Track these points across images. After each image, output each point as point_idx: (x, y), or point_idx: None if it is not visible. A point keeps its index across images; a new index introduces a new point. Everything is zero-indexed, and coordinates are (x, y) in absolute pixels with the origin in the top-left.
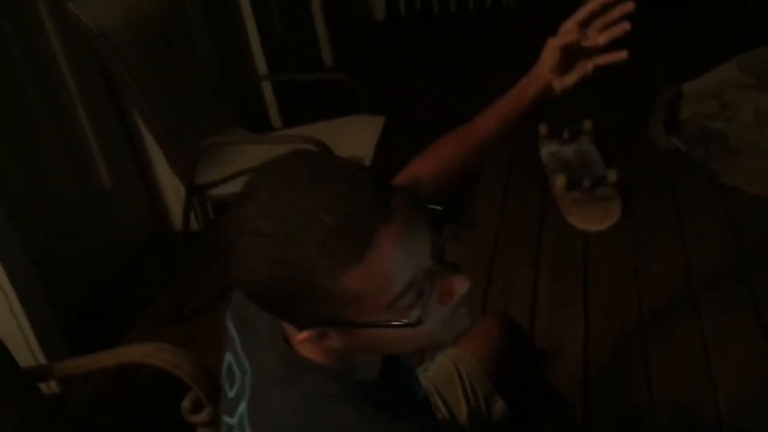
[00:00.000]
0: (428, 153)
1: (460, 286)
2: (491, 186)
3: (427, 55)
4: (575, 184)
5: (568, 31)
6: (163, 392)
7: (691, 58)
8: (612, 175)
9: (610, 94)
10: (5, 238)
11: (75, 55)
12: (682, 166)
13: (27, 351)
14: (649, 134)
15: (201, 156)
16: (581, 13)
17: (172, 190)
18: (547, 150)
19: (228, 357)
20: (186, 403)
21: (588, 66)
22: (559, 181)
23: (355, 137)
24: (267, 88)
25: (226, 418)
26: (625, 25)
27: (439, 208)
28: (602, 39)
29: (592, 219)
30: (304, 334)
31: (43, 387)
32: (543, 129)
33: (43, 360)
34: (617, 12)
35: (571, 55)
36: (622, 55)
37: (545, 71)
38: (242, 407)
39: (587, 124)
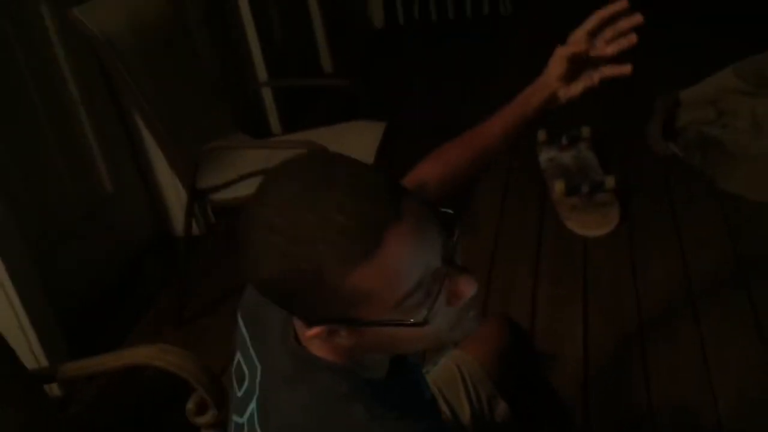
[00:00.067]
0: (433, 158)
1: (469, 288)
2: (491, 191)
3: (426, 61)
4: (574, 190)
5: (577, 40)
6: (167, 394)
7: (688, 65)
8: (610, 181)
9: (608, 101)
10: (7, 238)
11: (76, 57)
12: (680, 172)
13: (28, 352)
14: (647, 140)
15: (202, 160)
16: (591, 23)
17: (173, 193)
18: (545, 156)
19: (237, 356)
20: (191, 405)
21: (594, 77)
22: (558, 186)
23: (355, 143)
24: (267, 94)
25: (235, 417)
26: (633, 38)
27: (450, 211)
28: (610, 50)
29: (591, 224)
30: (314, 331)
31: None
32: (541, 135)
33: (43, 361)
34: (626, 23)
35: (578, 65)
36: (626, 69)
37: (552, 80)
38: (252, 406)
39: (585, 131)
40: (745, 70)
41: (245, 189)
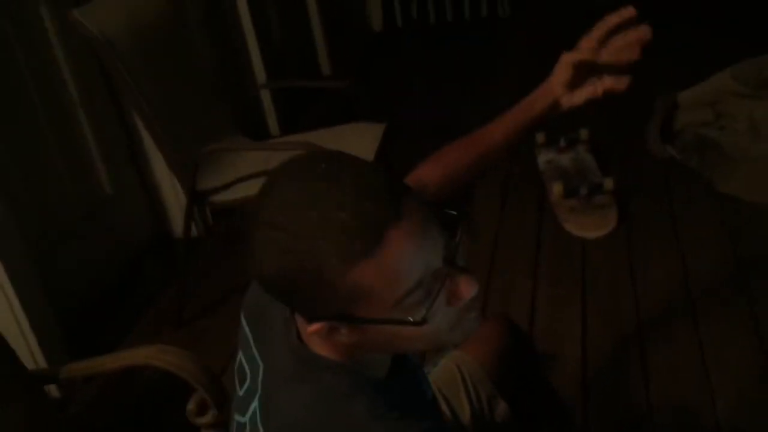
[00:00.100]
0: (433, 160)
1: (469, 289)
2: (489, 193)
3: (425, 63)
4: (572, 192)
5: (585, 47)
6: (167, 394)
7: (686, 68)
8: (609, 183)
9: (606, 103)
10: (6, 239)
11: (76, 58)
12: (678, 174)
13: (27, 353)
14: (645, 143)
15: (202, 162)
16: (599, 31)
17: (172, 195)
18: (544, 158)
19: (239, 355)
20: (191, 405)
21: (598, 88)
22: (556, 188)
23: (355, 144)
24: (266, 96)
25: (237, 417)
26: (637, 52)
27: (453, 212)
28: (617, 59)
29: (589, 226)
30: (315, 327)
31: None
32: (540, 137)
33: (42, 362)
34: (634, 35)
35: (583, 73)
36: (623, 82)
37: (556, 86)
38: (254, 405)
39: (584, 133)
40: (743, 73)
41: (244, 190)
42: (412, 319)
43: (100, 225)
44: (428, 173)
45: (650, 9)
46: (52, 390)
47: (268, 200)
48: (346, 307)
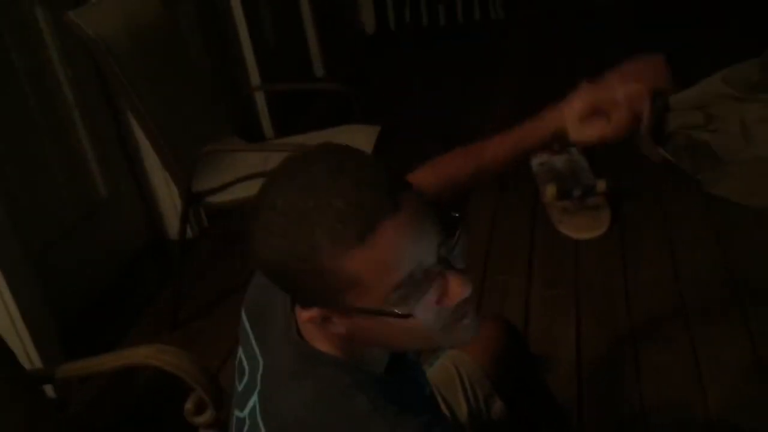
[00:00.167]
0: (433, 166)
1: (460, 289)
2: (483, 194)
3: (418, 65)
4: (565, 194)
5: (609, 85)
6: (165, 394)
7: (678, 71)
8: (601, 185)
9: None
10: (3, 241)
11: (71, 60)
12: (670, 176)
13: (23, 355)
14: (637, 145)
15: (198, 163)
16: (627, 72)
17: (168, 198)
18: (537, 160)
19: (239, 351)
20: (189, 405)
21: (608, 132)
22: (550, 190)
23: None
24: (260, 99)
25: (236, 412)
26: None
27: (456, 214)
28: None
29: (583, 228)
30: (309, 314)
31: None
32: None
33: (38, 363)
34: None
35: (597, 109)
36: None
37: (567, 116)
38: (253, 400)
39: None
40: (734, 77)
41: (240, 192)
42: (398, 312)
43: (95, 227)
44: (426, 179)
45: (644, 13)
46: (48, 390)
47: (274, 185)
48: (338, 295)
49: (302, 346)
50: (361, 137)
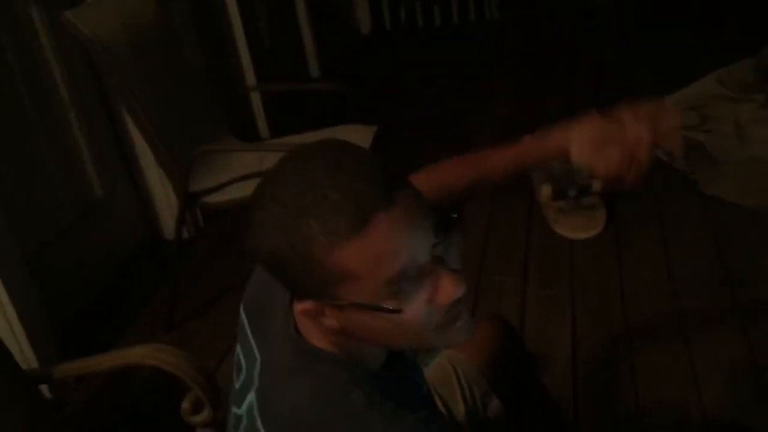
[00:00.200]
0: (432, 172)
1: (452, 289)
2: (479, 195)
3: (414, 65)
4: (561, 194)
5: (620, 121)
6: (162, 393)
7: (673, 71)
8: (597, 185)
9: (593, 105)
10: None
11: (67, 60)
12: (665, 175)
13: (19, 355)
14: None
15: (194, 163)
16: (641, 115)
17: (164, 198)
18: None
19: (237, 348)
20: (186, 404)
21: (610, 173)
22: (545, 190)
23: None
24: (255, 99)
25: (234, 409)
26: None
27: (455, 215)
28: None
29: (578, 228)
30: (303, 306)
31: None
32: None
33: (35, 365)
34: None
35: (605, 139)
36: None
37: (574, 139)
38: (250, 396)
39: None
40: (729, 77)
41: (236, 192)
42: (387, 307)
43: (91, 227)
44: (424, 184)
45: (644, 13)
46: (44, 391)
47: (274, 178)
48: (331, 287)
49: (300, 343)
50: (357, 137)
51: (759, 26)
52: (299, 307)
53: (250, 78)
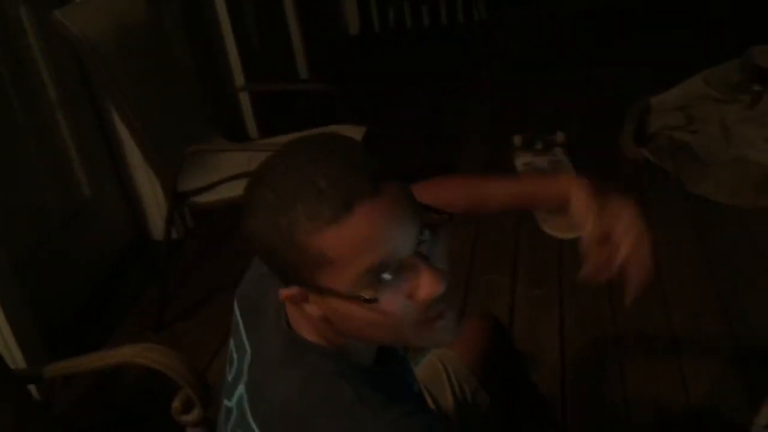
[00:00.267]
0: (427, 186)
1: (431, 286)
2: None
3: (403, 66)
4: None
5: (614, 214)
6: (152, 393)
7: (660, 72)
8: None
9: (582, 107)
10: None
11: (55, 60)
12: (652, 175)
13: (7, 356)
14: (619, 145)
15: (184, 163)
16: (630, 223)
17: (152, 198)
18: (521, 160)
19: (230, 342)
20: (177, 403)
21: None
22: None
23: None
24: (244, 99)
25: (225, 402)
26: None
27: (447, 215)
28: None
29: (567, 227)
30: (287, 292)
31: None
32: (517, 140)
33: (23, 365)
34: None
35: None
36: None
37: (574, 193)
38: (240, 389)
39: (560, 136)
40: (714, 78)
41: (225, 192)
42: (363, 296)
43: (79, 227)
44: (419, 195)
45: (626, 15)
46: (32, 391)
47: (272, 163)
48: (312, 273)
49: (290, 335)
50: None
51: (759, 26)
52: (284, 292)
53: (239, 78)
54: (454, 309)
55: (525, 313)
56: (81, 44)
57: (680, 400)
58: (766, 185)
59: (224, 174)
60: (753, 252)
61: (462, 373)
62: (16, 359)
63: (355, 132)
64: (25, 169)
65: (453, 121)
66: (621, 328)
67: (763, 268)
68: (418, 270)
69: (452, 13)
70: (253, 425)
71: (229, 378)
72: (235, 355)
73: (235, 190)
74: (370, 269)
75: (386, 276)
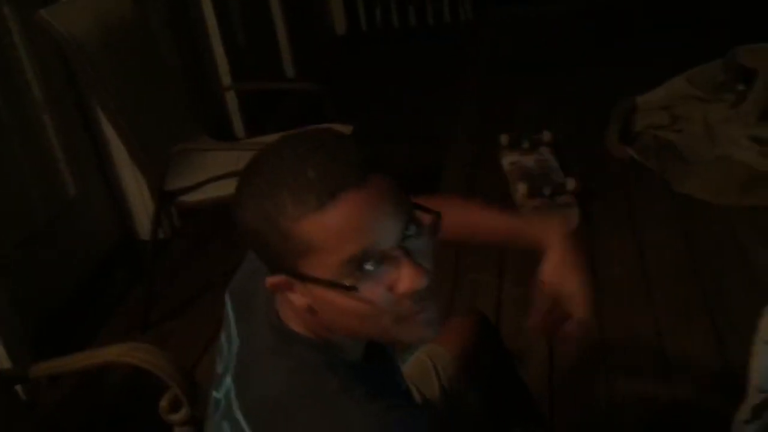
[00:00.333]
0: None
1: (410, 281)
2: (455, 193)
3: (389, 66)
4: (536, 192)
5: (568, 282)
6: (139, 392)
7: (645, 72)
8: (571, 184)
9: (568, 106)
10: None
11: (40, 59)
12: (638, 174)
13: None
14: (605, 144)
15: (171, 162)
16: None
17: (138, 197)
18: (508, 159)
19: (221, 335)
20: (164, 402)
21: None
22: (521, 189)
23: None
24: (231, 98)
25: (213, 393)
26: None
27: (438, 213)
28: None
29: None
30: (273, 280)
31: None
32: (504, 139)
33: (8, 366)
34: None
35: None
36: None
37: (548, 251)
38: (228, 380)
39: (546, 135)
40: (698, 78)
41: (212, 191)
42: (345, 284)
43: (65, 227)
44: None
45: (613, 15)
46: (18, 391)
47: (266, 154)
48: (296, 260)
49: (279, 326)
50: None
51: (759, 26)
52: (270, 280)
53: (225, 77)
54: (438, 305)
55: (511, 312)
56: (67, 43)
57: (665, 397)
58: (751, 184)
59: (211, 173)
60: (738, 250)
61: (450, 368)
62: (2, 359)
63: (341, 130)
64: (10, 168)
65: (440, 121)
66: (607, 326)
67: (748, 267)
68: (399, 263)
69: (439, 13)
70: (238, 415)
71: (219, 369)
72: (225, 347)
73: (221, 189)
74: (353, 259)
75: (368, 267)
